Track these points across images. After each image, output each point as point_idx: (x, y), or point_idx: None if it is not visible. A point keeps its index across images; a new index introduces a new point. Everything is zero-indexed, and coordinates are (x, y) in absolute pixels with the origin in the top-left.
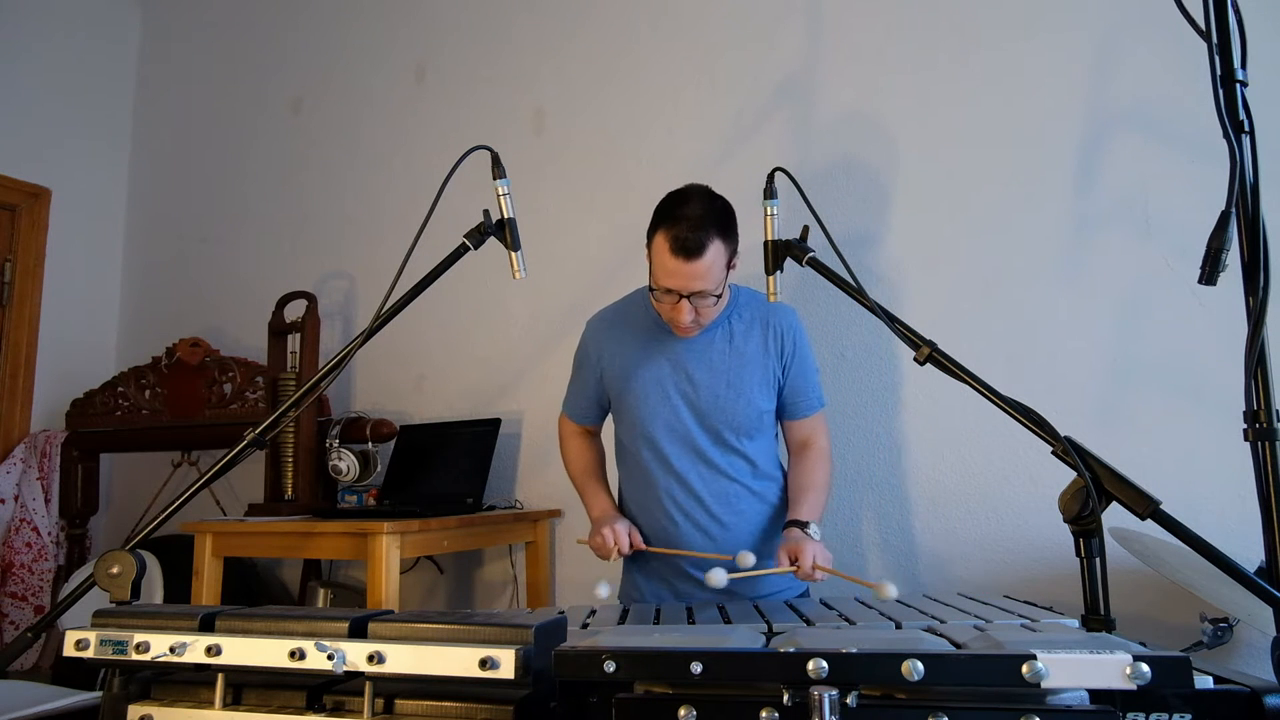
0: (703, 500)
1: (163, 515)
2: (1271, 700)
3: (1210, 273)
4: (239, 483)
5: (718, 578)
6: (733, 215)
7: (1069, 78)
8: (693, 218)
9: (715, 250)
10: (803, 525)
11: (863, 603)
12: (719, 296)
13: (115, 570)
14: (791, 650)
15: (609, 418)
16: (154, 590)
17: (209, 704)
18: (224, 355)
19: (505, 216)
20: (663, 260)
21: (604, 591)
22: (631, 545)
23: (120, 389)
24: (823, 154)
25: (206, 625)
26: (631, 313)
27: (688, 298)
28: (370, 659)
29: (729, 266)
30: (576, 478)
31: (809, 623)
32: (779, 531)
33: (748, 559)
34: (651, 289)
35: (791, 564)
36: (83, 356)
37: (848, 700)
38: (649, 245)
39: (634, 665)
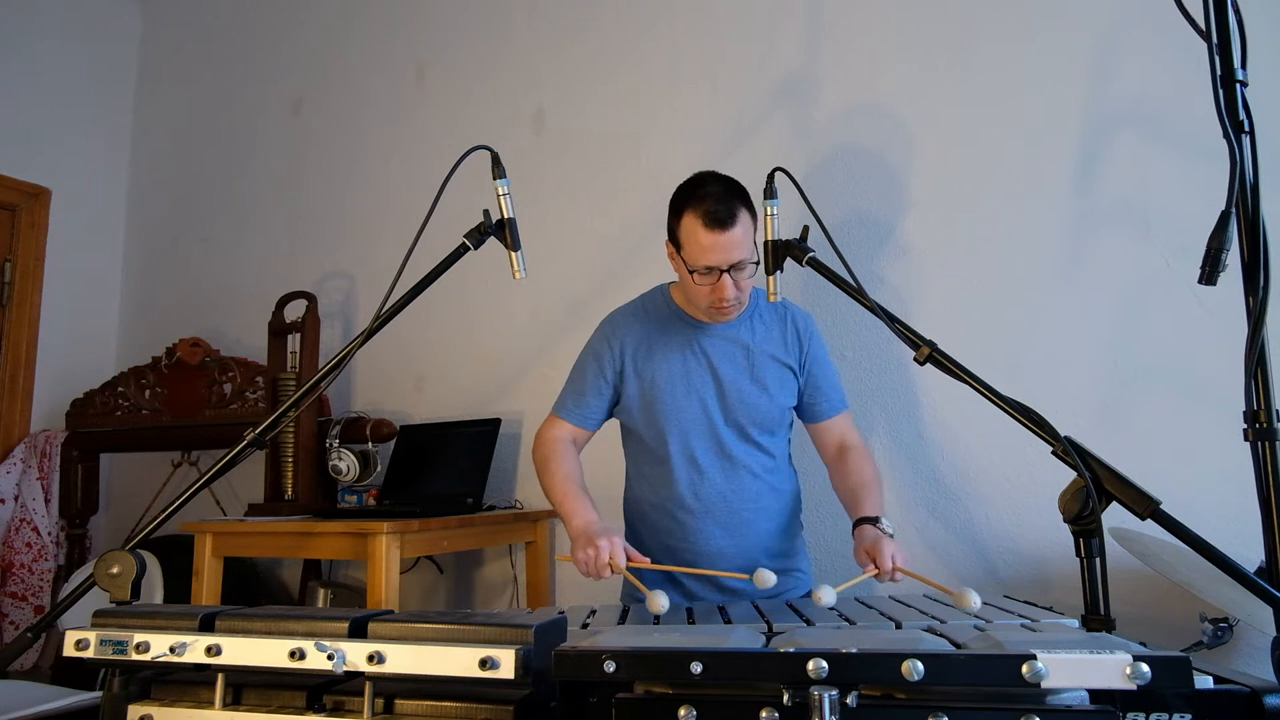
0: (724, 493)
1: (163, 515)
2: (1271, 700)
3: (1210, 273)
4: (239, 483)
5: (827, 596)
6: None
7: (1069, 77)
8: (716, 193)
9: (744, 218)
10: (874, 521)
11: (862, 603)
12: (756, 264)
13: (115, 570)
14: (791, 650)
15: (609, 424)
16: (154, 590)
17: (209, 704)
18: (224, 355)
19: (505, 216)
20: (697, 238)
21: (664, 601)
22: (630, 560)
23: (120, 389)
24: (823, 154)
25: (206, 625)
26: (650, 309)
27: (728, 272)
28: (370, 659)
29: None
30: (559, 486)
31: (809, 623)
32: (793, 531)
33: (767, 578)
34: (691, 270)
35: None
36: (83, 357)
37: (848, 700)
38: (676, 232)
39: (634, 665)
